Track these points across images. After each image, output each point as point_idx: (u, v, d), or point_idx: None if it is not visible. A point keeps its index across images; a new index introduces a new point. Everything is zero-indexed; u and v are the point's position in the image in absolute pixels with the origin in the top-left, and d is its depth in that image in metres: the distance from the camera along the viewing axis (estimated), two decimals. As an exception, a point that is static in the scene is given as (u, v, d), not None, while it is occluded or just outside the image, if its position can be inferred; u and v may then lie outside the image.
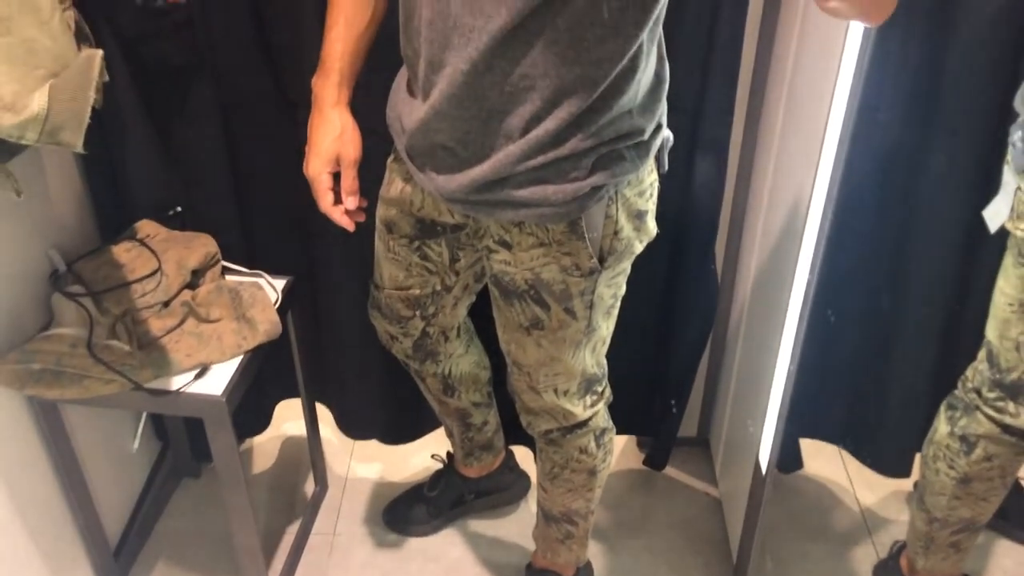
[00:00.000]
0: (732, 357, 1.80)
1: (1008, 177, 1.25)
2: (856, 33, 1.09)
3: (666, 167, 1.20)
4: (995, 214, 1.28)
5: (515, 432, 1.68)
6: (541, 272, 1.18)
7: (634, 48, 1.00)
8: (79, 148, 1.06)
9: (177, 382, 1.33)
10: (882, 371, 1.73)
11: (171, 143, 1.53)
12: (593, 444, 1.42)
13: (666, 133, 1.17)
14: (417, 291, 1.38)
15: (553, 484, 1.49)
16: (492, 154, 1.07)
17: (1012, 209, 1.24)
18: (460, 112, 1.04)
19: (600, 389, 1.39)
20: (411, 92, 1.14)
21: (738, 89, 1.50)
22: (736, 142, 1.59)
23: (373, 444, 1.94)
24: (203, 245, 1.49)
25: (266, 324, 1.41)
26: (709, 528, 1.84)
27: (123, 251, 1.45)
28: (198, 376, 1.34)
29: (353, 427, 1.93)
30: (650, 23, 0.99)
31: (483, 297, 1.39)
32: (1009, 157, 1.24)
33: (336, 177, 1.25)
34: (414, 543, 1.81)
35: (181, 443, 1.88)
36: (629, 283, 1.27)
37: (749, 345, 1.68)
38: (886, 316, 1.67)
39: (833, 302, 1.63)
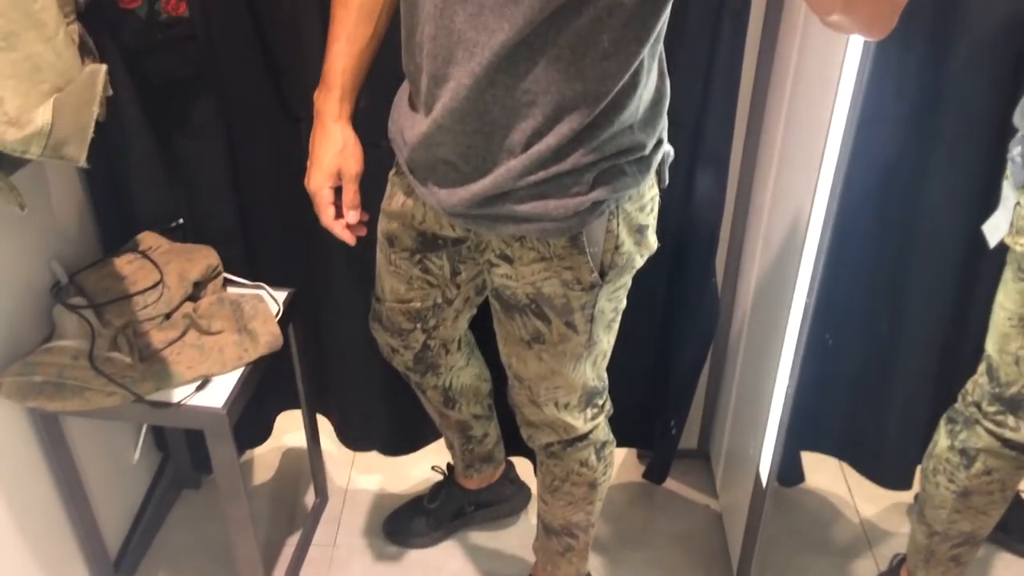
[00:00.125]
0: (733, 369, 1.80)
1: (1007, 192, 1.25)
2: (856, 48, 1.10)
3: (667, 181, 1.21)
4: (994, 228, 1.28)
5: (515, 444, 1.68)
6: (542, 286, 1.19)
7: (635, 64, 1.00)
8: (83, 163, 1.06)
9: (178, 394, 1.33)
10: (883, 384, 1.73)
11: (174, 156, 1.53)
12: (594, 457, 1.42)
13: (667, 148, 1.18)
14: (418, 304, 1.38)
15: (554, 497, 1.49)
16: (494, 169, 1.07)
17: (1011, 224, 1.24)
18: (462, 127, 1.05)
19: (601, 402, 1.39)
20: (413, 106, 1.15)
21: (738, 104, 1.51)
22: (736, 156, 1.60)
23: (373, 455, 1.94)
24: (205, 257, 1.50)
25: (267, 336, 1.41)
26: (710, 541, 1.84)
27: (125, 263, 1.45)
28: (199, 388, 1.34)
29: (354, 438, 1.93)
30: (651, 40, 1.00)
31: (484, 309, 1.39)
32: (1008, 172, 1.24)
33: (338, 191, 1.26)
34: (414, 555, 1.81)
35: (181, 454, 1.88)
36: (630, 296, 1.28)
37: (750, 358, 1.68)
38: (887, 329, 1.67)
39: (833, 316, 1.63)
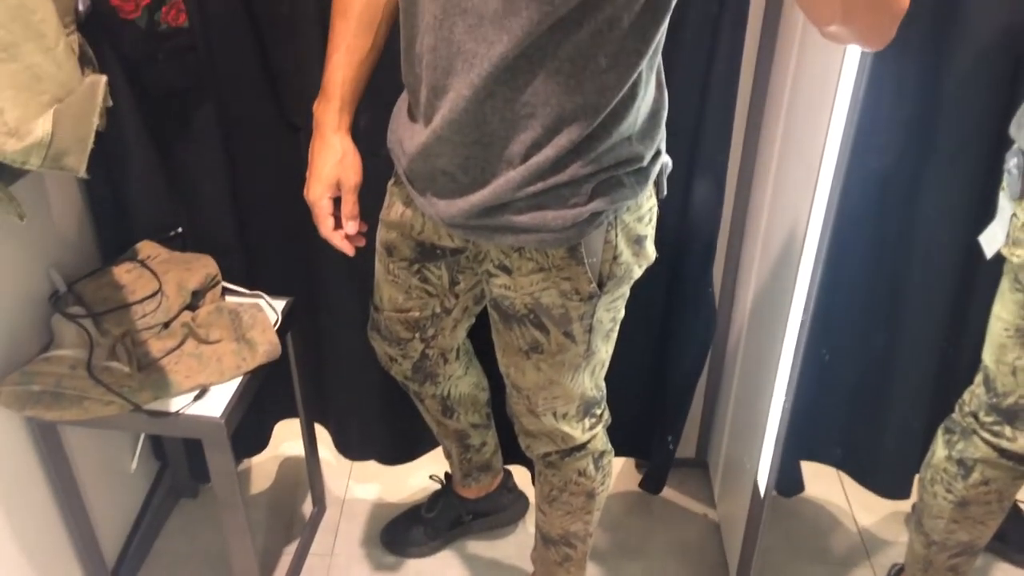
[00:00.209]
0: (731, 378, 1.80)
1: (1004, 203, 1.26)
2: (853, 59, 1.10)
3: (665, 192, 1.21)
4: (991, 239, 1.29)
5: (513, 453, 1.68)
6: (541, 297, 1.19)
7: (634, 76, 1.01)
8: (82, 173, 1.06)
9: (176, 404, 1.33)
10: (881, 393, 1.74)
11: (173, 165, 1.54)
12: (592, 467, 1.42)
13: (665, 159, 1.18)
14: (417, 313, 1.38)
15: (552, 507, 1.49)
16: (492, 180, 1.07)
17: (1008, 235, 1.25)
18: (461, 137, 1.05)
19: (599, 412, 1.39)
20: (412, 117, 1.15)
21: (736, 115, 1.51)
22: (734, 167, 1.60)
23: (371, 465, 1.94)
24: (203, 266, 1.50)
25: (266, 345, 1.41)
26: (707, 550, 1.84)
27: (124, 272, 1.45)
28: (197, 398, 1.34)
29: (351, 448, 1.93)
30: (650, 52, 1.00)
31: (483, 318, 1.39)
32: (1004, 183, 1.25)
33: (337, 202, 1.26)
34: (412, 564, 1.80)
35: (179, 463, 1.88)
36: (628, 306, 1.28)
37: (748, 367, 1.68)
38: (884, 339, 1.68)
39: (831, 325, 1.63)
